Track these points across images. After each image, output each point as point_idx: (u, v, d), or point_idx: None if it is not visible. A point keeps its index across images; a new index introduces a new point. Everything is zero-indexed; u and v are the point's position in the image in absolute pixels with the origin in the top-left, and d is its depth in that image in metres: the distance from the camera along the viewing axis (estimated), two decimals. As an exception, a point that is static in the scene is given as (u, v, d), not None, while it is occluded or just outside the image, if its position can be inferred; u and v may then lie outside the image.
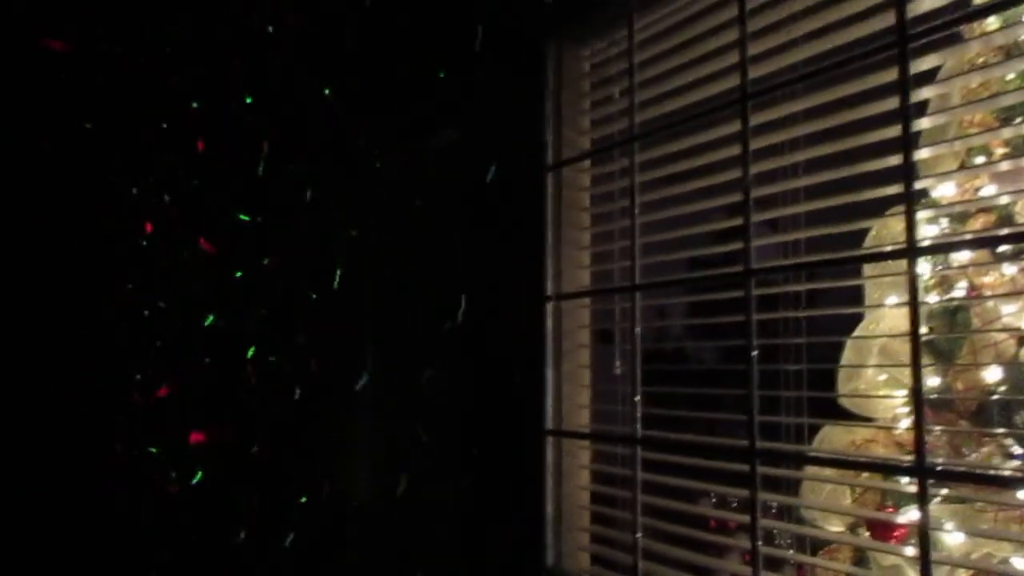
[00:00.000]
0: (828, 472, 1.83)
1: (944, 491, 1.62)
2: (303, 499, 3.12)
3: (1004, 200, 1.67)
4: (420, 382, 2.60)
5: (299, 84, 3.22)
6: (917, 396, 1.35)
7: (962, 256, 1.77)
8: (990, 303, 1.66)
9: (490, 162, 2.38)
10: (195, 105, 3.96)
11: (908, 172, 1.38)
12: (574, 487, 2.14)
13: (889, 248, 1.54)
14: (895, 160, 1.43)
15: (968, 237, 1.59)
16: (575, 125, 2.23)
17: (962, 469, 1.45)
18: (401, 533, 2.64)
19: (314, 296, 3.16)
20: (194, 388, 3.70)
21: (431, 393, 2.53)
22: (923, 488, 1.34)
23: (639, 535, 1.90)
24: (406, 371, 2.65)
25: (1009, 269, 1.67)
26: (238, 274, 3.60)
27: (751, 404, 1.64)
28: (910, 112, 1.39)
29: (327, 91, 3.14)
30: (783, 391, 1.74)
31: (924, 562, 1.33)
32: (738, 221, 1.71)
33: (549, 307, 2.15)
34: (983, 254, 1.71)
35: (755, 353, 1.66)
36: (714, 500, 2.75)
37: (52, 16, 3.27)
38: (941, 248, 1.57)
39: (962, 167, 1.81)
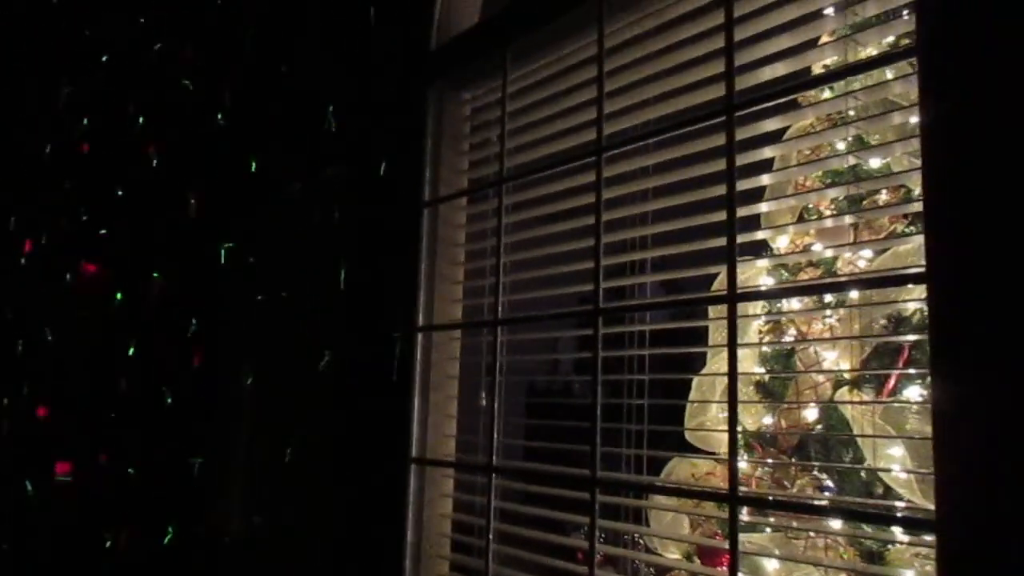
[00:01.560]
0: (670, 502, 1.95)
1: (771, 520, 1.76)
2: (169, 535, 3.09)
3: (828, 254, 1.85)
4: (293, 408, 2.63)
5: (195, 115, 3.25)
6: (732, 432, 1.48)
7: (794, 304, 1.94)
8: (811, 349, 1.83)
9: (372, 197, 2.46)
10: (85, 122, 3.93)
11: (731, 227, 1.52)
12: (435, 515, 2.20)
13: (714, 294, 1.68)
14: (722, 216, 1.58)
15: (786, 286, 1.74)
16: (453, 165, 2.33)
17: (768, 497, 1.58)
18: (273, 565, 2.64)
19: (194, 321, 3.16)
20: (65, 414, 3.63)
21: (305, 419, 2.56)
22: (733, 513, 1.46)
23: (491, 562, 1.97)
24: (282, 397, 2.68)
25: (830, 319, 1.85)
26: (118, 296, 3.56)
27: (595, 435, 1.74)
28: (734, 174, 1.54)
29: (220, 119, 3.18)
30: (624, 424, 1.86)
31: (734, 583, 1.45)
32: (589, 264, 1.84)
33: (419, 337, 2.23)
34: (810, 303, 1.88)
35: (599, 387, 1.77)
36: (583, 532, 2.86)
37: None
38: (759, 295, 1.72)
39: (798, 222, 1.99)
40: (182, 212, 3.28)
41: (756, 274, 1.99)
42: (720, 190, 1.64)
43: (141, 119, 3.65)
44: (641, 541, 2.25)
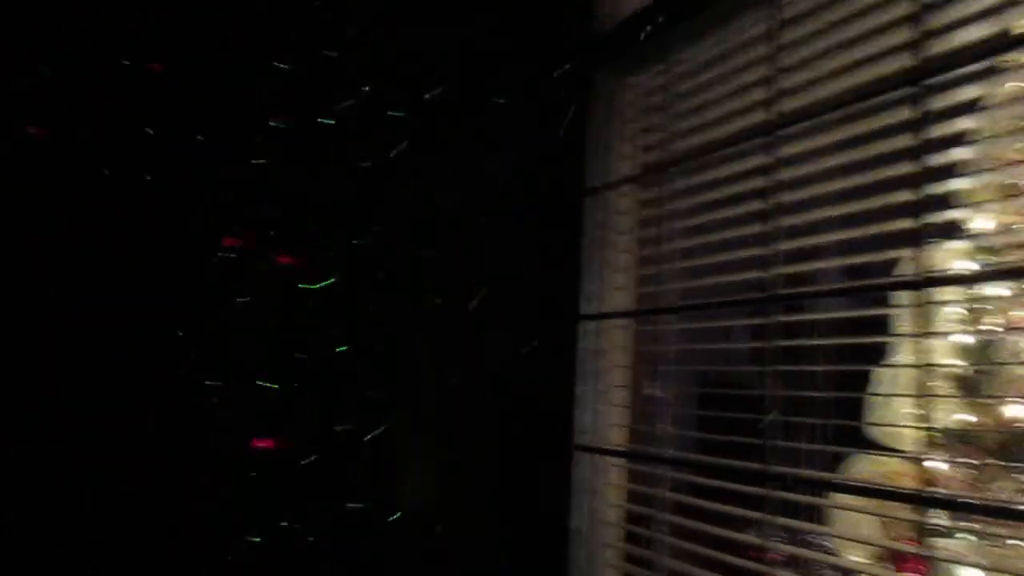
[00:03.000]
0: (856, 502, 1.84)
1: (975, 527, 1.61)
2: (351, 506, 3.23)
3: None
4: (453, 397, 2.67)
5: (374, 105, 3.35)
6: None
7: (1002, 291, 1.77)
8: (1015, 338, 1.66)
9: (539, 185, 2.47)
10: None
11: (919, 207, 1.40)
12: (604, 504, 2.19)
13: (904, 278, 1.56)
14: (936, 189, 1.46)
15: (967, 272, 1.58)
16: (620, 150, 2.30)
17: (978, 502, 1.45)
18: (438, 547, 2.71)
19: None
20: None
21: (466, 409, 2.60)
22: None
23: (664, 554, 1.94)
24: (441, 387, 2.74)
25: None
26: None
27: (763, 427, 1.67)
28: (927, 148, 1.41)
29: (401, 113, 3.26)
30: (808, 418, 1.76)
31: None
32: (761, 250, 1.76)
33: (585, 325, 2.21)
34: (1018, 289, 1.70)
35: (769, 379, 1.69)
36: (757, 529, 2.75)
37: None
38: (953, 280, 1.57)
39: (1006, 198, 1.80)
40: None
41: (949, 257, 1.82)
42: (907, 167, 1.52)
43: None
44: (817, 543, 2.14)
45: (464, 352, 2.45)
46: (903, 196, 1.53)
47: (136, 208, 3.14)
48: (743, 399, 2.38)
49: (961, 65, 1.40)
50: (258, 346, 3.72)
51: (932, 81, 1.43)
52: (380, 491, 3.10)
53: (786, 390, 1.72)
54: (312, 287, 3.59)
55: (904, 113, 1.48)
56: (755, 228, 1.86)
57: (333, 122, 3.69)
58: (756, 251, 1.85)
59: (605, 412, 2.20)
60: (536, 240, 2.35)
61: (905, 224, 1.52)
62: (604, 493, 2.18)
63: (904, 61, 1.50)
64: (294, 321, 3.65)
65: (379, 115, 3.20)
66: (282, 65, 3.88)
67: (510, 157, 2.49)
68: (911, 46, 1.47)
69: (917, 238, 1.39)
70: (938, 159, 1.46)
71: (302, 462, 3.44)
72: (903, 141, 1.51)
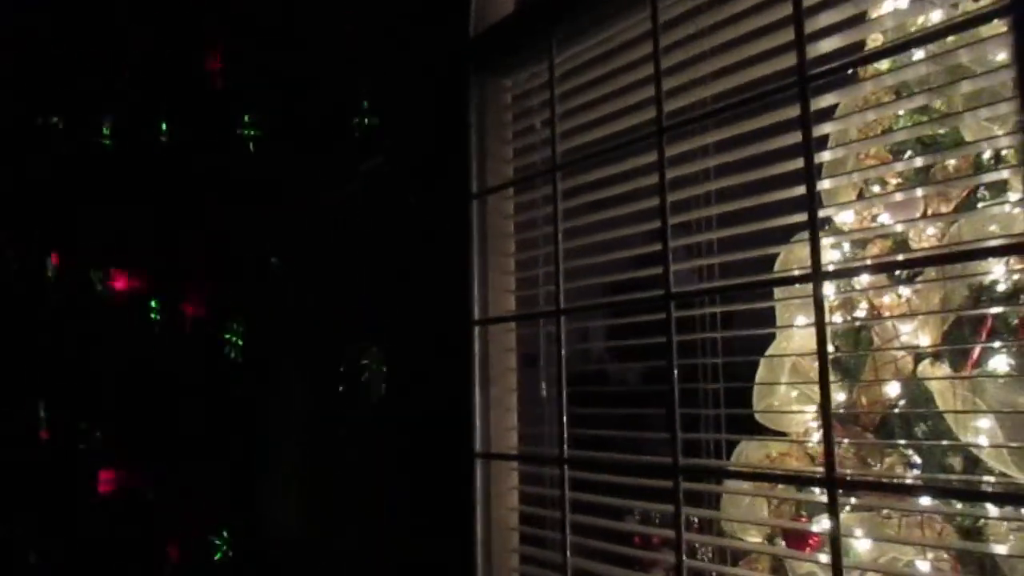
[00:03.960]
0: (745, 485, 1.92)
1: (852, 501, 1.72)
2: (225, 533, 3.08)
3: (899, 228, 1.80)
4: (346, 408, 2.60)
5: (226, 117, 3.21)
6: (826, 411, 1.44)
7: (863, 279, 1.89)
8: (889, 323, 1.78)
9: (414, 191, 2.42)
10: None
11: (812, 202, 1.48)
12: (503, 509, 2.18)
13: (797, 272, 1.64)
14: (800, 190, 1.53)
15: (868, 262, 1.70)
16: (499, 154, 2.29)
17: (869, 479, 1.55)
18: (333, 563, 2.63)
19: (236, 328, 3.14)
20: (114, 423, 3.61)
21: (360, 420, 2.54)
22: (833, 498, 1.42)
23: (568, 554, 1.94)
24: (334, 397, 2.65)
25: (905, 291, 1.80)
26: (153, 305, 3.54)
27: (674, 422, 1.71)
28: (812, 146, 1.49)
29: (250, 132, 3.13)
30: (703, 409, 1.82)
31: (836, 568, 1.41)
32: (657, 247, 1.80)
33: (476, 332, 2.19)
34: (882, 277, 1.83)
35: (676, 372, 1.73)
36: (637, 517, 2.83)
37: None
38: (845, 273, 1.67)
39: (860, 197, 1.93)
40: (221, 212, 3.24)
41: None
42: (786, 166, 1.60)
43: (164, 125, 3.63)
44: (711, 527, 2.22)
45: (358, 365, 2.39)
46: (780, 194, 1.62)
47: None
48: (611, 395, 2.45)
49: (843, 69, 1.48)
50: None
51: (817, 84, 1.50)
52: (260, 515, 2.97)
53: (683, 383, 1.77)
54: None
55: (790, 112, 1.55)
56: (642, 227, 1.91)
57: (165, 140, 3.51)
58: (640, 250, 1.90)
59: (500, 417, 2.19)
60: (427, 247, 2.32)
61: (781, 221, 1.62)
62: (504, 498, 2.16)
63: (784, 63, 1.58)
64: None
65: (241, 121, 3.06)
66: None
67: (389, 163, 2.44)
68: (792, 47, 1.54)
69: (813, 233, 1.46)
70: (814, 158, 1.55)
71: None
72: (785, 140, 1.59)
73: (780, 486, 1.90)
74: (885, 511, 1.65)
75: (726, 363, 1.86)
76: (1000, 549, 1.53)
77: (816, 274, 1.47)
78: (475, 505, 2.12)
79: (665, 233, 1.76)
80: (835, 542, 1.41)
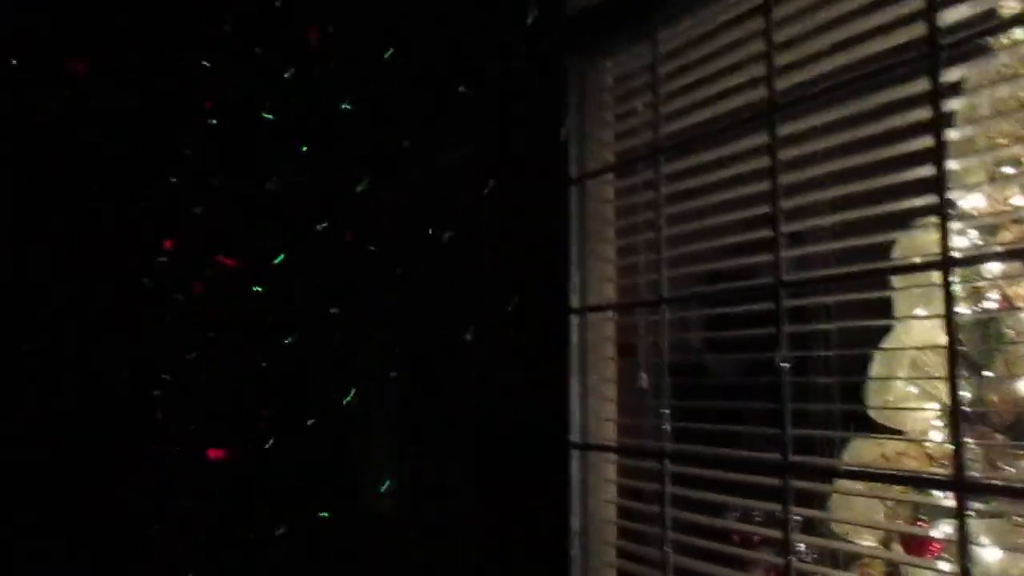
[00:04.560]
0: (858, 487, 1.81)
1: (977, 506, 1.59)
2: (324, 513, 3.12)
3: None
4: (442, 396, 2.59)
5: (323, 98, 3.23)
6: (955, 409, 1.33)
7: (993, 267, 1.75)
8: (1023, 315, 1.64)
9: (511, 176, 2.39)
10: (213, 121, 3.97)
11: (941, 183, 1.37)
12: (600, 501, 2.13)
13: (922, 260, 1.52)
14: (925, 171, 1.42)
15: (1001, 249, 1.57)
16: (599, 138, 2.23)
17: (998, 483, 1.43)
18: (423, 551, 2.63)
19: (334, 310, 3.17)
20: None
21: (455, 407, 2.52)
22: (961, 502, 1.32)
23: (668, 549, 1.88)
24: (429, 386, 2.65)
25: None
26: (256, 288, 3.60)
27: (784, 417, 1.62)
28: (943, 123, 1.38)
29: (348, 105, 3.15)
30: (813, 404, 1.72)
31: (963, 577, 1.31)
32: (767, 233, 1.71)
33: (574, 320, 2.14)
34: (1016, 266, 1.69)
35: (787, 365, 1.64)
36: (737, 514, 2.73)
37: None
38: (976, 260, 1.55)
39: (992, 179, 1.79)
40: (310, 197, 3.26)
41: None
42: (908, 147, 1.49)
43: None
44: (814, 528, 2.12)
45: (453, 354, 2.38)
46: (900, 177, 1.50)
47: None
48: (721, 387, 2.36)
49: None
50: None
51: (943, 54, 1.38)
52: (357, 497, 3.01)
53: (795, 377, 1.68)
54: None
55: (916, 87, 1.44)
56: (752, 212, 1.82)
57: (272, 118, 3.57)
58: (754, 236, 1.81)
59: (598, 407, 2.14)
60: (523, 233, 2.28)
61: (901, 205, 1.50)
62: (601, 490, 2.11)
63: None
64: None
65: (334, 106, 3.08)
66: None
67: (485, 148, 2.41)
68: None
69: (910, 219, 1.35)
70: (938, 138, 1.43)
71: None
72: (908, 118, 1.48)
73: (897, 488, 1.79)
74: (1018, 519, 1.52)
75: (839, 356, 1.75)
76: None
77: (945, 260, 1.36)
78: (571, 496, 2.08)
79: (776, 218, 1.66)
80: (963, 550, 1.30)
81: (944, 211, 1.37)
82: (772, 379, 1.67)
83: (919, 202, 1.47)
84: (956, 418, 1.33)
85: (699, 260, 1.97)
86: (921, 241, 1.77)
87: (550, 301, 2.17)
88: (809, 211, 1.70)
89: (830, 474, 1.72)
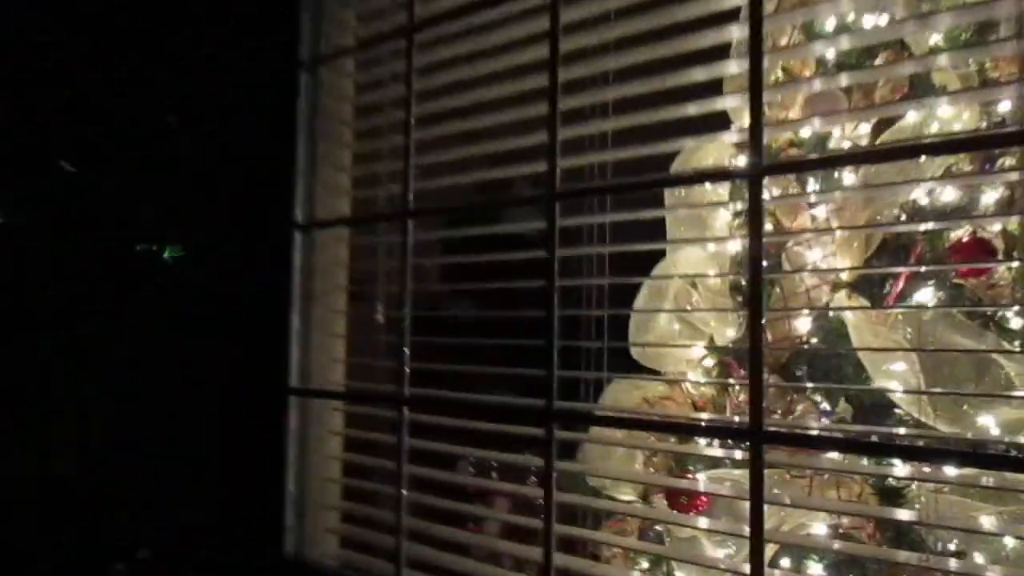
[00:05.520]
0: (619, 435, 1.61)
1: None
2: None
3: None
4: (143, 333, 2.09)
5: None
6: (754, 348, 1.13)
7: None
8: (801, 247, 1.51)
9: (238, 60, 1.91)
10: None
11: (758, 81, 1.15)
12: (323, 457, 1.76)
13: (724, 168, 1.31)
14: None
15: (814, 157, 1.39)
16: (340, 16, 1.82)
17: (798, 432, 1.26)
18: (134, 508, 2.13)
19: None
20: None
21: (160, 346, 2.02)
22: (757, 454, 1.12)
23: (404, 512, 1.57)
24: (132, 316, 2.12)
25: (821, 212, 1.52)
26: None
27: (551, 358, 1.36)
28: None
29: None
30: (583, 341, 1.49)
31: (756, 537, 1.12)
32: (538, 140, 1.42)
33: (298, 237, 1.74)
34: (797, 190, 1.55)
35: (555, 296, 1.38)
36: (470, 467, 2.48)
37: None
38: (789, 168, 1.36)
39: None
40: None
41: (720, 154, 1.63)
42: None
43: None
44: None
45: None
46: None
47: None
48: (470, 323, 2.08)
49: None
50: None
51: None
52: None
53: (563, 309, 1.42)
54: None
55: None
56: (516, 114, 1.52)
57: None
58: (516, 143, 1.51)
59: (324, 346, 1.76)
60: (244, 132, 1.81)
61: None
62: (325, 444, 1.75)
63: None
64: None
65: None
66: None
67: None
68: None
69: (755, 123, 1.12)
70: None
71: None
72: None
73: (651, 437, 1.61)
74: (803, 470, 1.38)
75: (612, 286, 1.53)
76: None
77: (755, 169, 1.14)
78: (287, 451, 1.70)
79: (554, 119, 1.38)
80: (757, 508, 1.11)
81: (757, 115, 1.14)
82: (538, 313, 1.39)
83: (717, 105, 1.25)
84: (756, 360, 1.12)
85: (456, 170, 1.64)
86: (704, 156, 1.59)
87: (270, 214, 1.75)
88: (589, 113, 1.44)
89: (591, 421, 1.50)
